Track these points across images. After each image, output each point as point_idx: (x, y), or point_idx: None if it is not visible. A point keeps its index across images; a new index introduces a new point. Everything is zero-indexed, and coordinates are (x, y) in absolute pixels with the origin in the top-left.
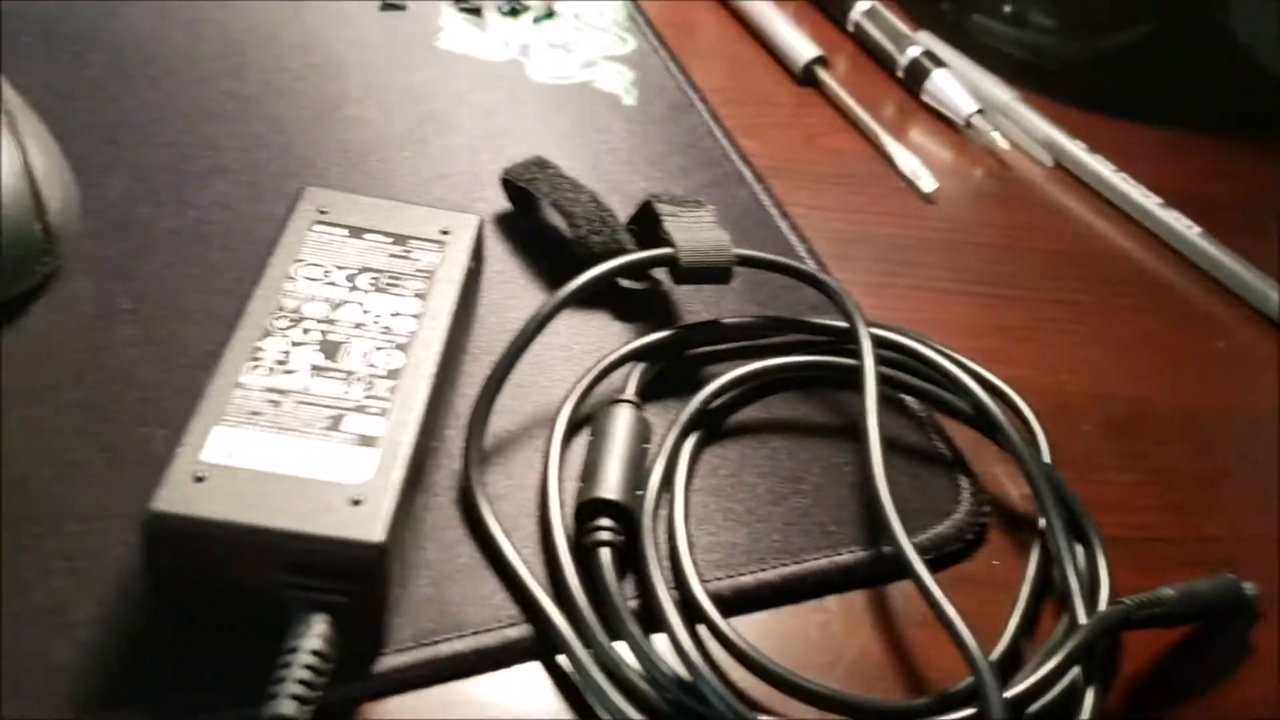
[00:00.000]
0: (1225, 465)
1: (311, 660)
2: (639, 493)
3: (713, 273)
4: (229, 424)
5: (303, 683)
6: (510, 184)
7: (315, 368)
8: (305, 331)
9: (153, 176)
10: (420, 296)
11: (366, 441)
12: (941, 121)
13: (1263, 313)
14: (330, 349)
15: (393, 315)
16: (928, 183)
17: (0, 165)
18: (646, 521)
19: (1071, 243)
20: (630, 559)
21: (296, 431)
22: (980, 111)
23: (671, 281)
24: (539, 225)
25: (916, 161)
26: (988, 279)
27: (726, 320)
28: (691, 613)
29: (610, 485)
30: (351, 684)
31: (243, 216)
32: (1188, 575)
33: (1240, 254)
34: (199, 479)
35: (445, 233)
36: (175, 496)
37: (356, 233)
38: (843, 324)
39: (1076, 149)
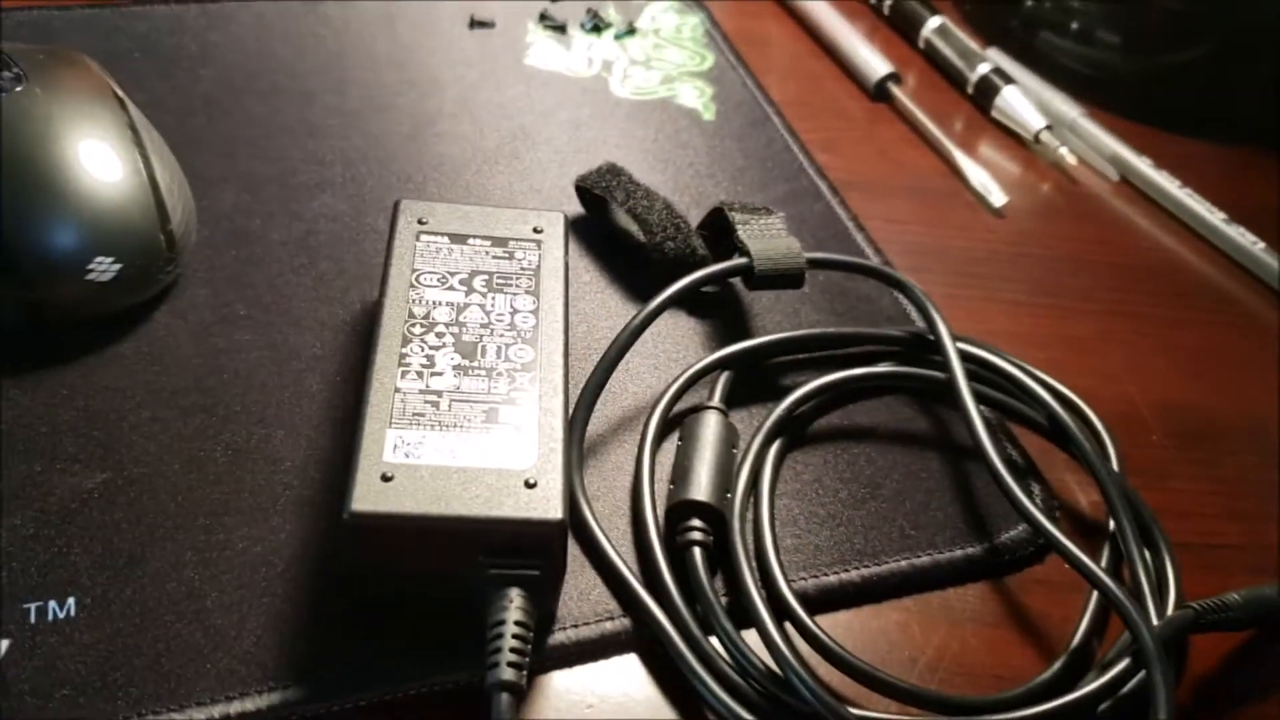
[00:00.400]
0: None
1: (518, 630)
2: (728, 495)
3: (786, 279)
4: (398, 426)
5: (515, 651)
6: (584, 191)
7: (457, 367)
8: (439, 336)
9: (263, 189)
10: (531, 293)
11: (524, 429)
12: (1010, 137)
13: None
14: (467, 349)
15: (513, 313)
16: (998, 197)
17: (128, 177)
18: (735, 523)
19: (1137, 257)
20: (719, 558)
21: (459, 427)
22: (1049, 127)
23: (745, 288)
24: (611, 232)
25: (987, 176)
26: (1055, 291)
27: (809, 331)
28: (778, 610)
29: (700, 488)
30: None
31: (347, 228)
32: (1253, 581)
33: None
34: (386, 478)
35: (538, 231)
36: (370, 495)
37: (459, 239)
38: (919, 331)
39: (1142, 164)
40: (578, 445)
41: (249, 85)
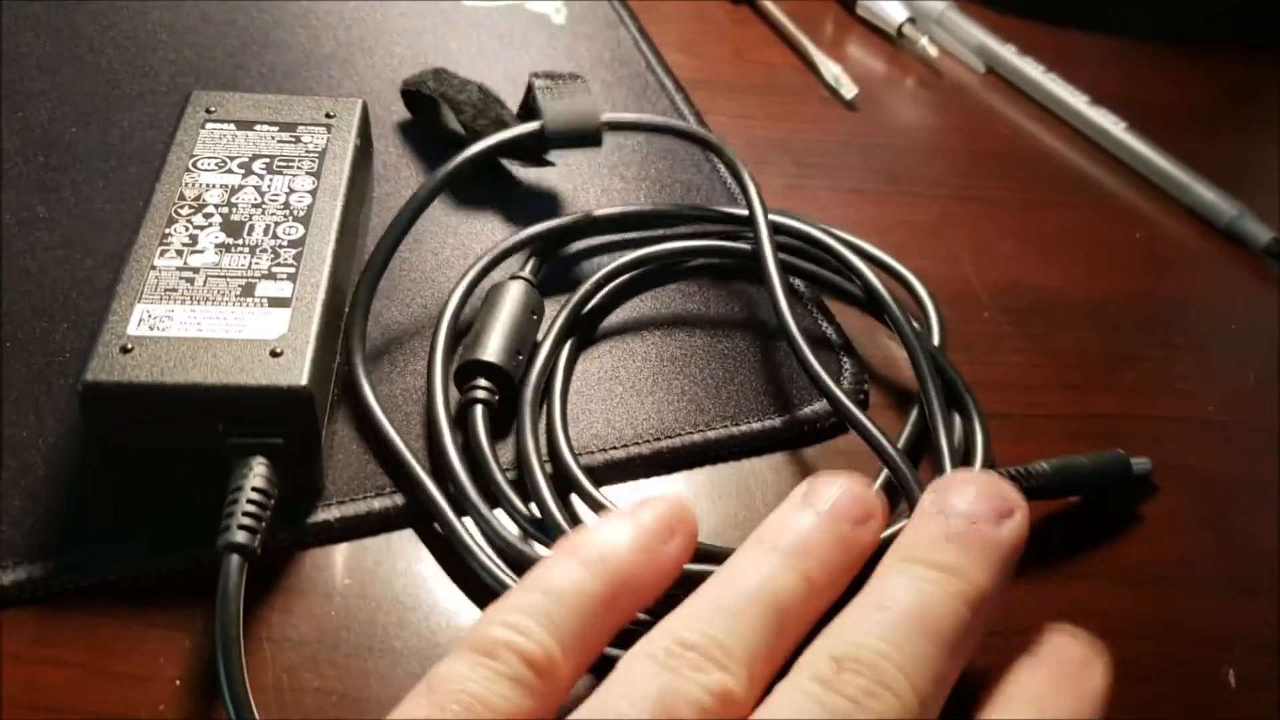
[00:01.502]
0: (1130, 349)
1: (255, 496)
2: (519, 357)
3: (581, 138)
4: (148, 302)
5: (249, 515)
6: (408, 94)
7: (220, 245)
8: (207, 216)
9: (83, 100)
10: (313, 175)
11: (279, 303)
12: (876, 34)
13: (1185, 204)
14: (233, 228)
15: (289, 193)
16: (849, 89)
17: None
18: (528, 390)
19: (996, 144)
20: (506, 428)
21: (211, 302)
22: (911, 20)
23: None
24: (441, 133)
25: (839, 69)
26: (903, 179)
27: (620, 209)
28: (563, 484)
29: (489, 349)
30: (295, 528)
31: (164, 134)
32: (1072, 449)
33: (1170, 152)
34: (126, 350)
35: (330, 116)
36: (105, 366)
37: (245, 125)
38: (733, 210)
39: (1007, 52)
40: (360, 322)
41: (80, 3)
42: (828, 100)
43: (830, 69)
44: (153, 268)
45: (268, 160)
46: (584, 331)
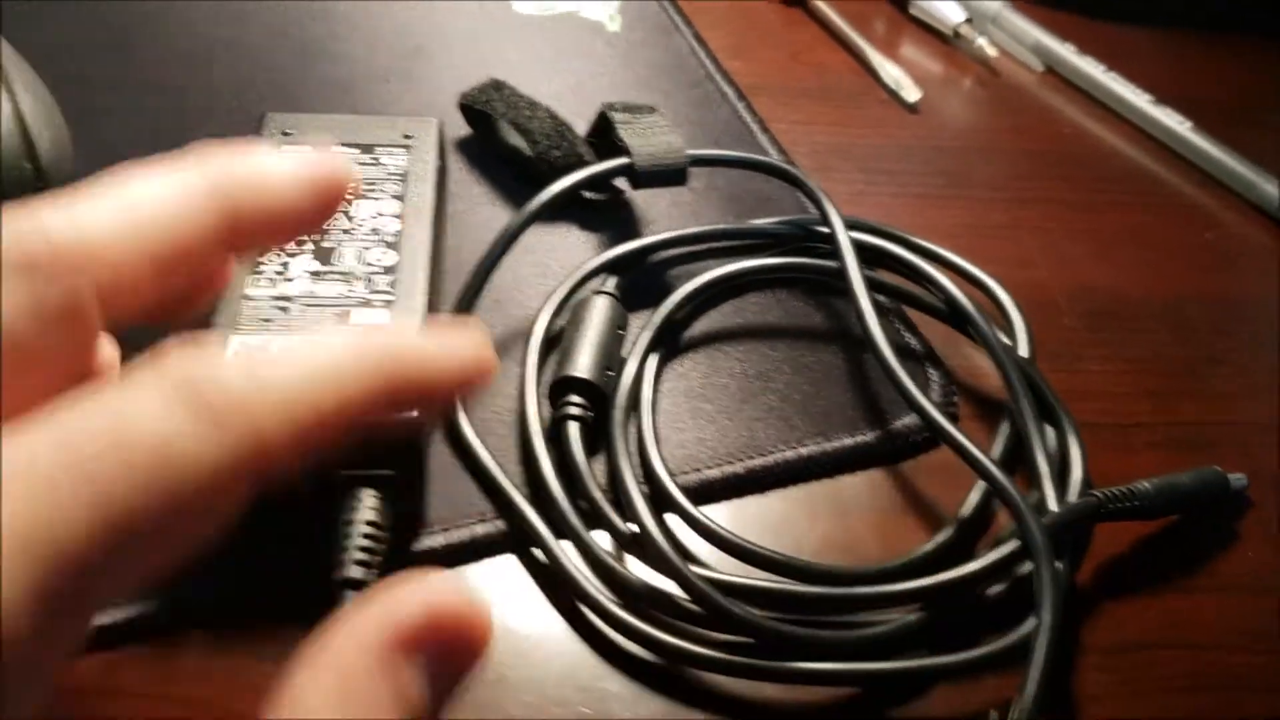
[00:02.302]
0: (1209, 352)
1: (368, 530)
2: (609, 373)
3: (668, 175)
4: (244, 333)
5: (364, 549)
6: (468, 109)
7: (313, 273)
8: (297, 243)
9: (150, 118)
10: (398, 198)
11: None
12: (931, 34)
13: (1254, 203)
14: (324, 255)
15: (376, 217)
16: (911, 92)
17: None
18: (618, 401)
19: (1059, 144)
20: (599, 444)
21: (308, 330)
22: (968, 20)
23: (634, 191)
24: (501, 148)
25: (900, 72)
26: (968, 183)
27: (696, 229)
28: (660, 503)
29: (580, 365)
30: (401, 557)
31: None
32: (1164, 457)
33: (1232, 148)
34: None
35: (408, 137)
36: None
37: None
38: (808, 221)
39: (1066, 52)
40: None
41: (141, 22)
42: (887, 103)
43: (890, 72)
44: (246, 297)
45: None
46: (669, 346)
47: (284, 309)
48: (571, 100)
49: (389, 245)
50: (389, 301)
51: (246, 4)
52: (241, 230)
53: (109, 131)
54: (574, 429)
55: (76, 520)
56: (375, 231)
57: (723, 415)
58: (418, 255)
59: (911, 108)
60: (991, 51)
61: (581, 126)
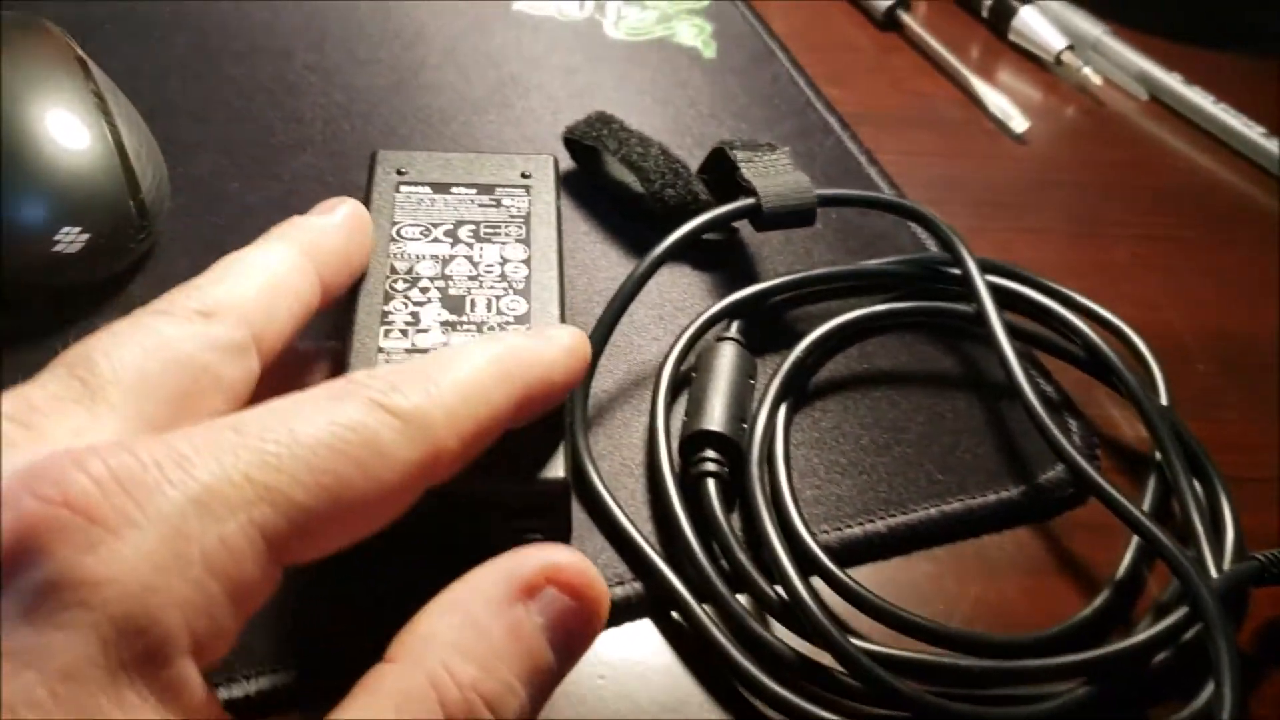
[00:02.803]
0: None
1: None
2: (744, 426)
3: (796, 216)
4: None
5: None
6: (573, 143)
7: (445, 323)
8: (424, 290)
9: (241, 151)
10: (522, 242)
11: None
12: (1029, 60)
13: None
14: (454, 303)
15: (502, 263)
16: (1019, 123)
17: (94, 144)
18: (753, 453)
19: (1172, 178)
20: (735, 499)
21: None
22: (1070, 47)
23: (754, 230)
24: (607, 183)
25: (1006, 101)
26: (1086, 218)
27: (823, 270)
28: (803, 564)
29: (714, 418)
30: None
31: (329, 186)
32: None
33: None
34: None
35: (526, 176)
36: None
37: (441, 188)
38: (933, 260)
39: (1173, 81)
40: (582, 401)
41: (224, 47)
42: (993, 133)
43: (996, 101)
44: (380, 350)
45: (473, 227)
46: (797, 394)
47: None
48: (671, 130)
49: (518, 293)
50: None
51: (330, 30)
52: None
53: (200, 165)
54: (712, 486)
55: (304, 485)
56: (504, 278)
57: (857, 469)
58: (549, 304)
59: (1019, 138)
60: (1096, 80)
61: (684, 157)
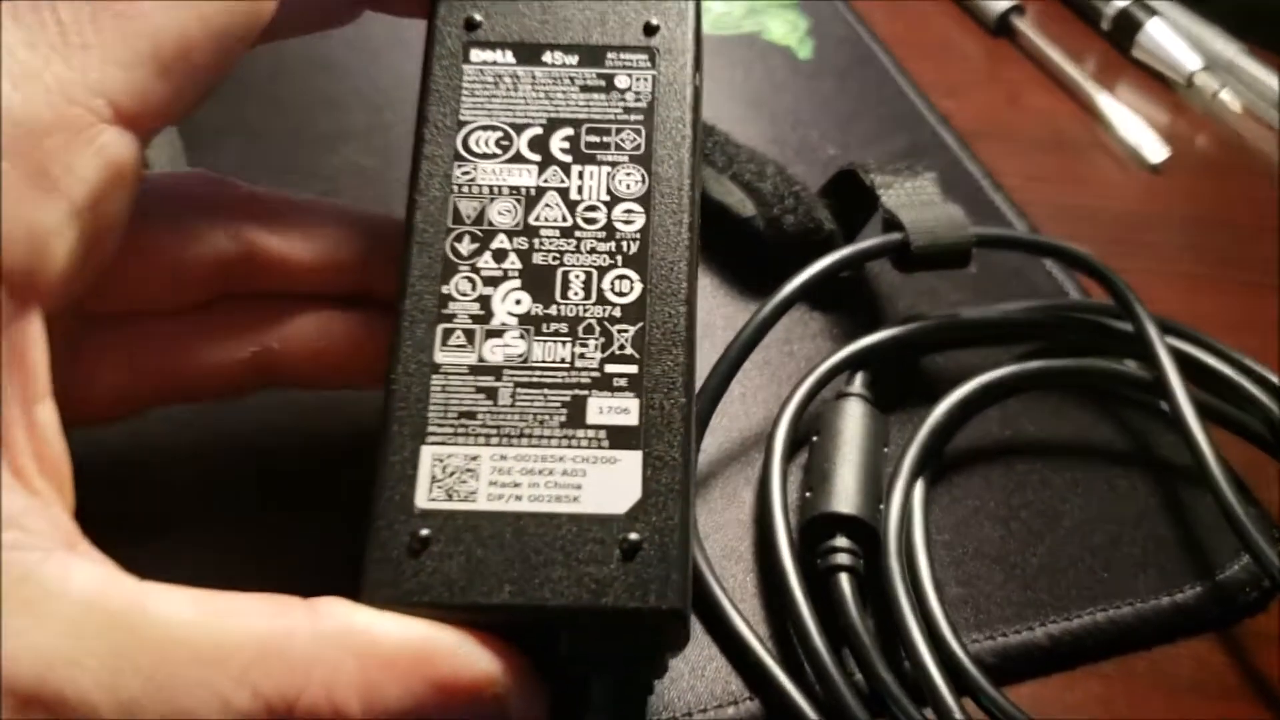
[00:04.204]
0: None
1: None
2: (881, 508)
3: (949, 257)
4: (439, 438)
5: None
6: None
7: (527, 317)
8: (498, 256)
9: (273, 142)
10: (639, 162)
11: (623, 439)
12: (1154, 79)
13: None
14: (538, 279)
15: (609, 203)
16: (1156, 151)
17: None
18: (891, 544)
19: None
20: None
21: (528, 438)
22: (1206, 68)
23: (893, 268)
24: (707, 203)
25: (1143, 125)
26: (1237, 263)
27: (968, 315)
28: (956, 684)
29: (845, 497)
30: None
31: (374, 184)
32: None
33: None
34: (418, 547)
35: (651, 31)
36: (391, 578)
37: (528, 54)
38: (1093, 310)
39: None
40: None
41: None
42: (1122, 160)
43: (1129, 124)
44: (436, 369)
45: (571, 131)
46: (934, 468)
47: (491, 393)
48: (766, 141)
49: (628, 261)
50: (632, 380)
51: None
52: None
53: (226, 156)
54: (846, 583)
55: None
56: (609, 232)
57: (1006, 562)
58: (676, 291)
59: (1154, 169)
60: (1235, 106)
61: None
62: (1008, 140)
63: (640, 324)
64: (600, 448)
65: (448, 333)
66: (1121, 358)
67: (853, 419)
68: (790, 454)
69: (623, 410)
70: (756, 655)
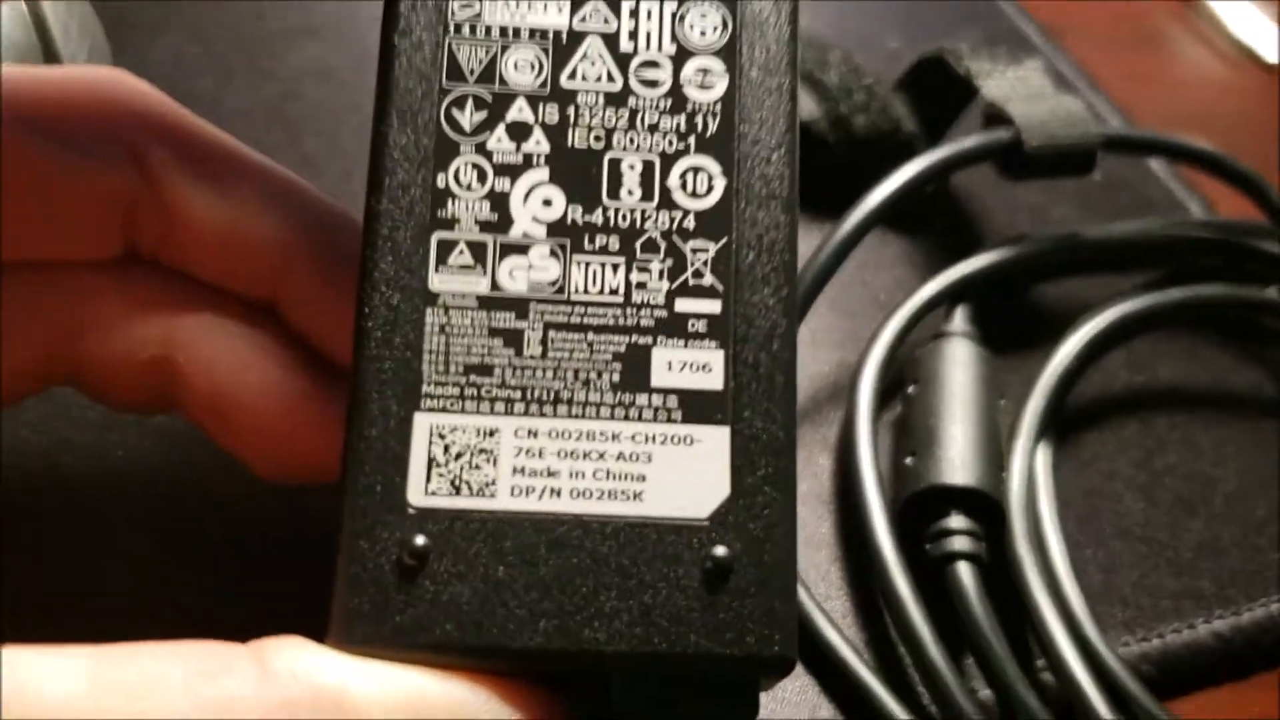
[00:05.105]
0: None
1: None
2: (1003, 475)
3: (1069, 161)
4: (438, 403)
5: None
6: None
7: (561, 226)
8: (517, 132)
9: (218, 38)
10: (721, 54)
11: (701, 409)
12: None
13: None
14: (576, 169)
15: (673, 55)
16: (1272, 51)
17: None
18: (1017, 524)
19: None
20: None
21: (567, 404)
22: None
23: (998, 175)
24: None
25: (1261, 16)
26: None
27: (1093, 233)
28: (1113, 699)
29: (959, 465)
30: None
31: (343, 88)
32: None
33: None
34: (412, 561)
35: None
36: (370, 612)
37: None
38: (1236, 230)
39: None
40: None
41: None
42: (1235, 61)
43: (1241, 18)
44: (431, 300)
45: None
46: (1059, 426)
47: (510, 335)
48: (818, 26)
49: (705, 146)
50: (716, 323)
51: None
52: None
53: (161, 55)
54: (965, 574)
55: None
56: (680, 100)
57: (1152, 542)
58: (773, 174)
59: (1270, 69)
60: None
61: None
62: (1099, 39)
63: (725, 239)
64: (671, 421)
65: (446, 246)
66: (1266, 284)
67: (960, 365)
68: (878, 410)
69: (702, 366)
70: (853, 671)
